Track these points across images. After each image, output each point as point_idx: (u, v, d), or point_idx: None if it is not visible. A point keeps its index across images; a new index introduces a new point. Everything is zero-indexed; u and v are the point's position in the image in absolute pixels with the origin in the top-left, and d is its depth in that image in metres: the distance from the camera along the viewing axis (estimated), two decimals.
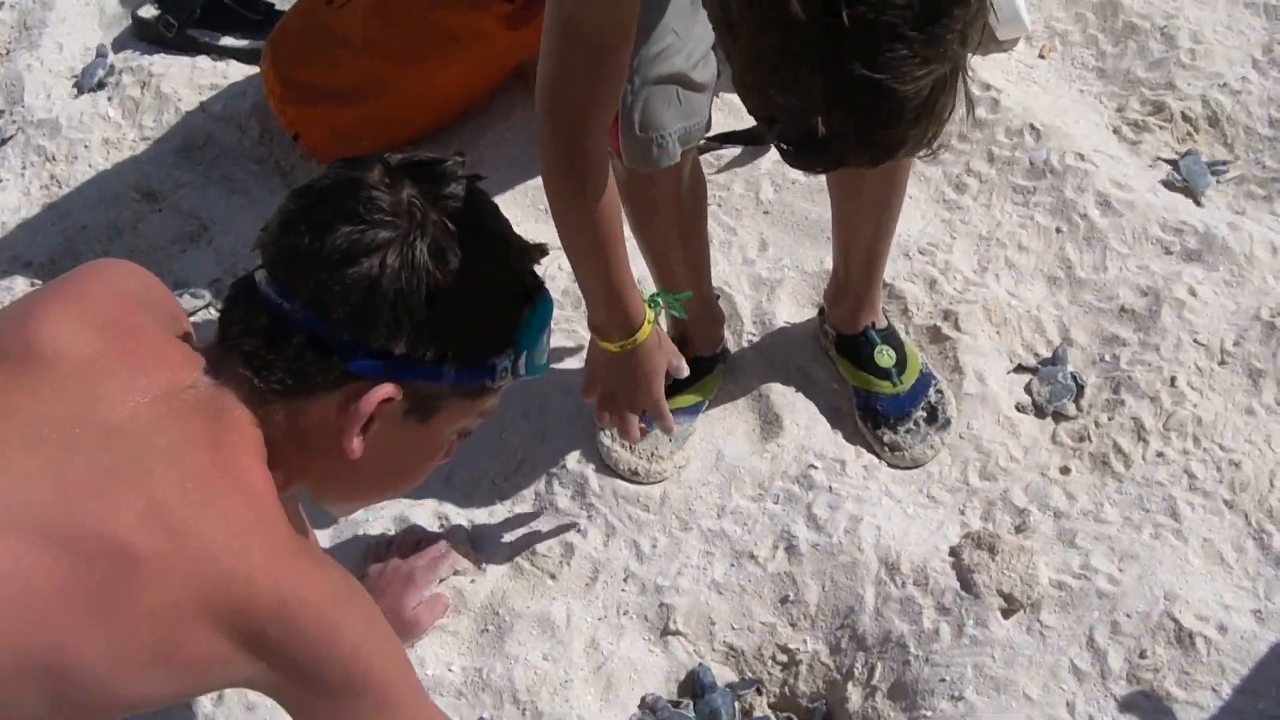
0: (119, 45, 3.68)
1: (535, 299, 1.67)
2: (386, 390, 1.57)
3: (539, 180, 3.10)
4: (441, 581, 2.53)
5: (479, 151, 3.27)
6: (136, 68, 3.58)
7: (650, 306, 2.24)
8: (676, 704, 2.39)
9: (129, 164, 3.42)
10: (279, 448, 1.60)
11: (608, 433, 2.67)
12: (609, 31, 1.90)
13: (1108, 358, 2.75)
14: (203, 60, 3.59)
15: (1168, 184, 3.02)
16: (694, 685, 2.42)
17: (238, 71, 3.56)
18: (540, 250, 1.69)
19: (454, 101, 3.31)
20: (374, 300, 1.53)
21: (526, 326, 1.65)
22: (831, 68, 1.37)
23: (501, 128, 3.31)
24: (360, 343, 1.55)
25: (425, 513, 2.66)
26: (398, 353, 1.56)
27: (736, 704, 2.40)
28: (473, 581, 2.55)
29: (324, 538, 2.61)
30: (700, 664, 2.45)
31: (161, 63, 3.58)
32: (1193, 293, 2.78)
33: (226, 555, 1.48)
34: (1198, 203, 3.01)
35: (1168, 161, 3.06)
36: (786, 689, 2.45)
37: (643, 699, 2.41)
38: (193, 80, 3.54)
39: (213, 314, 3.02)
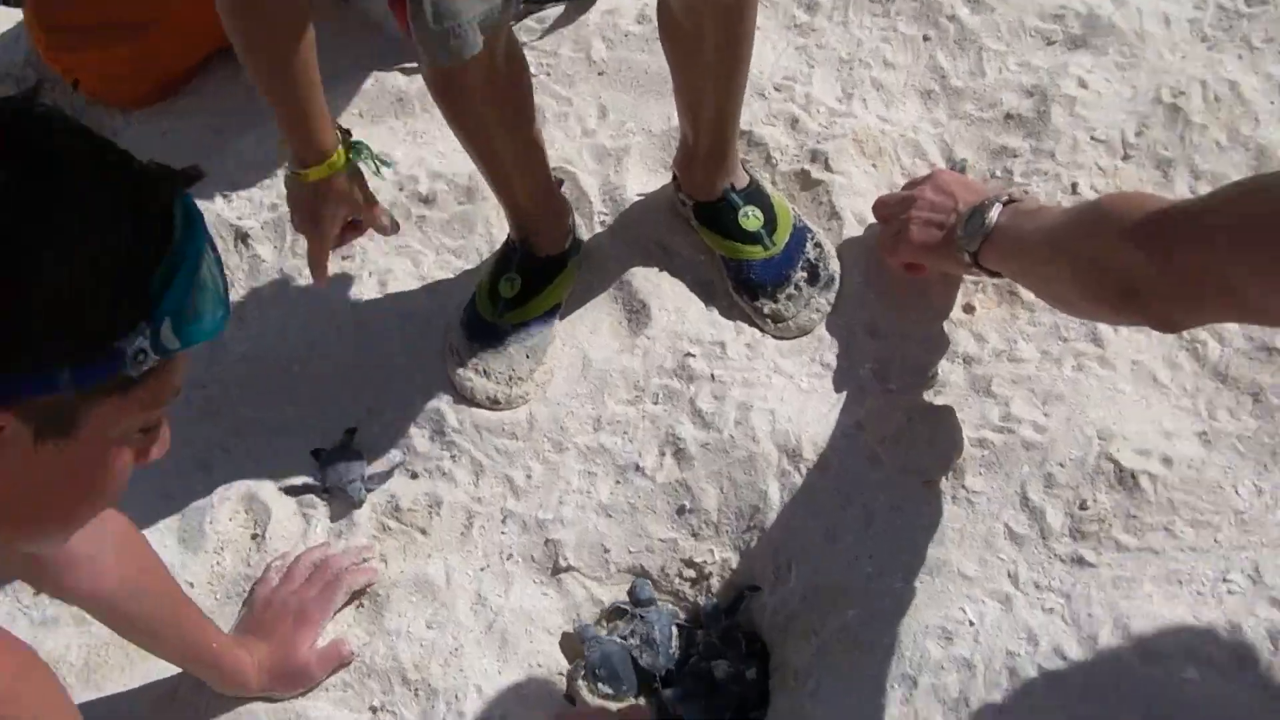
0: None
1: (168, 245, 1.22)
2: None
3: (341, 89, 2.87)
4: (341, 609, 2.28)
5: None
6: None
7: (348, 150, 2.21)
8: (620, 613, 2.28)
9: None
10: None
11: (459, 359, 2.46)
12: None
13: (999, 172, 2.54)
14: None
15: None
16: (633, 597, 2.29)
17: (8, 19, 3.38)
18: (186, 177, 1.32)
19: None
20: None
21: (164, 285, 1.21)
22: None
23: None
24: None
25: (270, 485, 2.42)
26: None
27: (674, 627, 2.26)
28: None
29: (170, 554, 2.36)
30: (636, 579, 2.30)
31: None
32: (1083, 84, 2.59)
33: None
34: None
35: None
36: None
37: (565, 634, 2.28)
38: None
39: None
